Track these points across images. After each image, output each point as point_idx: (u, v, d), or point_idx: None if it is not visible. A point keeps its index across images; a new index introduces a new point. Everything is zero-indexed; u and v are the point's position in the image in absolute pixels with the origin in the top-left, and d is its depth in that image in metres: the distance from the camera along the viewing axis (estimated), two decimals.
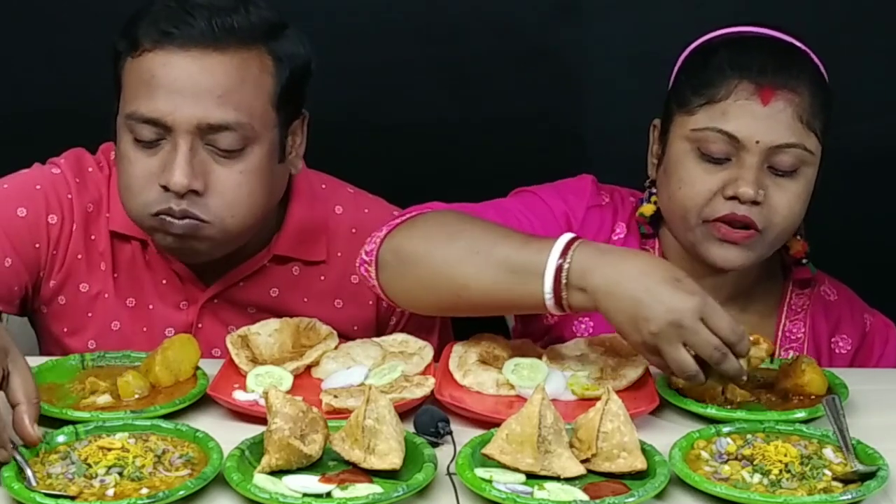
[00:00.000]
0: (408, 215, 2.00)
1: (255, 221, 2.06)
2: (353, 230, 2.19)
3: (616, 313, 1.79)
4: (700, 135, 2.01)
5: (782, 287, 2.19)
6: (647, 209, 2.14)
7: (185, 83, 1.96)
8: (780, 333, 2.15)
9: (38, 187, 2.13)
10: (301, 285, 2.18)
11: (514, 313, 1.98)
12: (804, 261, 2.16)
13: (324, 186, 2.22)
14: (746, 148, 1.98)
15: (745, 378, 1.81)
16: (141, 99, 1.98)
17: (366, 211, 2.22)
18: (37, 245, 2.11)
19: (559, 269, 1.82)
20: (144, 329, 2.14)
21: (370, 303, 2.20)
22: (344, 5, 2.84)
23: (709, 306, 1.77)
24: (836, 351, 2.18)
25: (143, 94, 1.98)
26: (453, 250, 1.90)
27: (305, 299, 2.17)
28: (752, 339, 1.82)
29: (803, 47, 2.07)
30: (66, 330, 2.16)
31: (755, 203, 1.98)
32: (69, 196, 2.13)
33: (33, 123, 2.78)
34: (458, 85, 2.92)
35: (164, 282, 2.14)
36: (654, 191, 2.13)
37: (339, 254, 2.19)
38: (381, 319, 2.23)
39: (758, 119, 1.98)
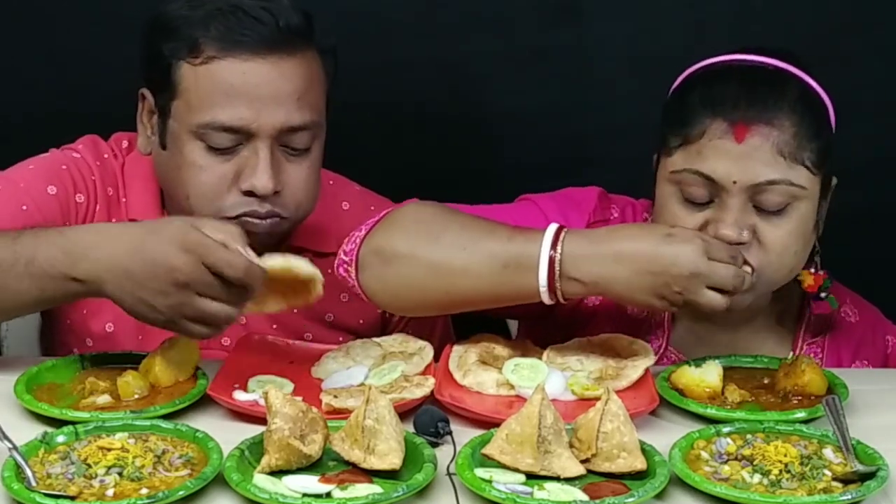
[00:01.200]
0: (384, 212, 1.99)
1: (313, 210, 2.11)
2: (346, 205, 2.23)
3: (630, 293, 1.82)
4: (679, 177, 1.94)
5: (798, 311, 2.13)
6: None
7: (265, 90, 1.99)
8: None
9: (64, 167, 2.14)
10: None
11: (502, 306, 1.97)
12: (823, 294, 2.07)
13: (331, 183, 2.24)
14: (725, 189, 1.90)
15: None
16: (218, 108, 1.99)
17: (371, 209, 2.21)
18: (67, 223, 2.11)
19: (552, 261, 1.83)
20: None
21: None
22: (344, 5, 2.84)
23: (708, 243, 1.81)
24: None
25: (220, 103, 1.99)
26: (438, 248, 1.89)
27: None
28: None
29: (791, 70, 1.98)
30: (85, 312, 2.15)
31: (741, 244, 1.90)
32: (93, 177, 2.15)
33: (32, 123, 2.78)
34: (458, 85, 2.92)
35: None
36: None
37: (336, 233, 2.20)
38: (385, 315, 2.24)
39: (733, 158, 1.90)
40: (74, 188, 2.13)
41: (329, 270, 2.15)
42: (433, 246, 1.89)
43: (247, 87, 1.98)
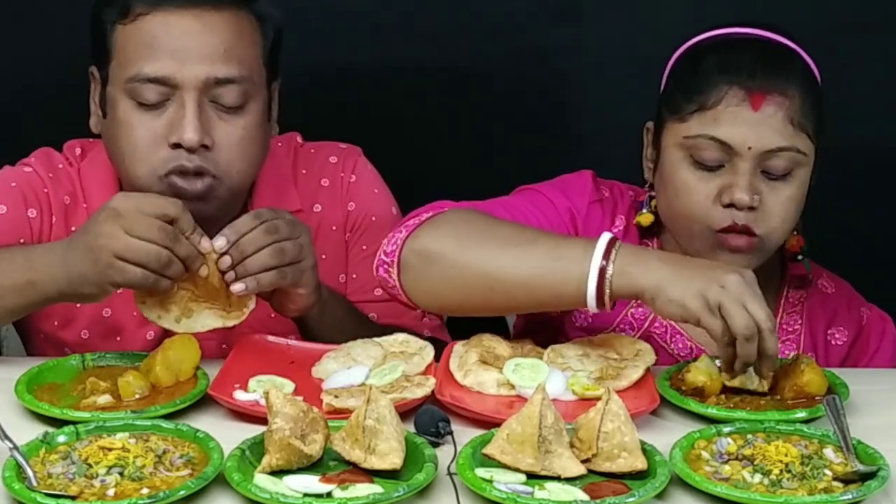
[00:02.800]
0: (426, 216, 2.00)
1: (252, 177, 2.12)
2: (304, 171, 2.25)
3: (676, 300, 1.82)
4: (693, 142, 2.01)
5: (780, 281, 2.19)
6: (645, 219, 2.13)
7: (189, 41, 2.01)
8: (777, 326, 2.16)
9: (13, 185, 2.15)
10: None
11: (544, 309, 2.00)
12: (799, 257, 2.15)
13: (280, 144, 2.25)
14: (739, 154, 1.98)
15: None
16: (144, 60, 2.01)
17: (312, 151, 2.28)
18: (21, 240, 2.11)
19: (602, 271, 1.86)
20: (134, 313, 2.13)
21: (333, 228, 2.23)
22: (344, 5, 2.84)
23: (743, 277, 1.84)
24: (832, 342, 2.18)
25: (145, 56, 2.01)
26: (489, 245, 1.93)
27: None
28: None
29: (794, 46, 2.07)
30: (56, 324, 2.16)
31: (752, 209, 1.98)
32: (45, 190, 2.15)
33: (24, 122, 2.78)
34: (458, 85, 2.92)
35: None
36: (653, 194, 2.13)
37: (299, 194, 2.23)
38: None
39: (749, 125, 1.98)
40: (25, 204, 2.14)
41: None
42: (483, 244, 1.93)
43: (170, 39, 2.01)
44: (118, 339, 2.13)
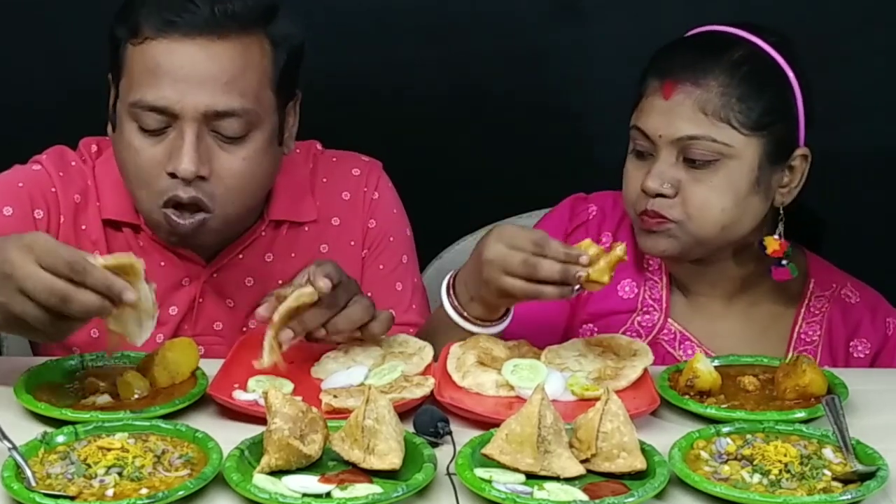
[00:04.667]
0: None
1: (255, 205, 2.11)
2: (324, 179, 2.24)
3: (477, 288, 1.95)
4: (632, 133, 2.10)
5: (803, 288, 2.19)
6: None
7: (190, 71, 1.98)
8: (794, 335, 2.16)
9: (20, 185, 2.14)
10: (289, 242, 2.21)
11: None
12: (784, 262, 2.13)
13: (298, 151, 2.23)
14: (654, 143, 2.05)
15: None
16: (146, 87, 1.99)
17: (334, 160, 2.27)
18: None
19: (451, 302, 2.01)
20: None
21: (351, 243, 2.23)
22: (344, 5, 2.84)
23: (503, 230, 1.93)
24: (854, 355, 2.17)
25: (147, 83, 1.99)
26: None
27: (293, 254, 2.20)
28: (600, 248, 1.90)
29: (744, 36, 2.08)
30: None
31: (663, 196, 2.04)
32: (53, 190, 2.14)
33: (33, 121, 2.78)
34: (459, 84, 2.92)
35: (163, 263, 2.14)
36: None
37: (317, 203, 2.23)
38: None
39: (660, 113, 2.05)
40: (32, 204, 2.13)
41: (306, 228, 2.20)
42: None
43: (172, 68, 1.98)
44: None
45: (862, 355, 2.17)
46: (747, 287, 2.18)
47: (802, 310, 2.18)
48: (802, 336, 2.16)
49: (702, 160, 2.03)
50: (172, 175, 1.99)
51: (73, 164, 2.18)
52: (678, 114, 2.03)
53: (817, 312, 2.18)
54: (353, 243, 2.23)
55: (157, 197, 2.01)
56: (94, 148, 2.19)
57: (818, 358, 2.14)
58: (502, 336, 2.02)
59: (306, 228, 2.21)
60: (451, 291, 2.01)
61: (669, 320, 2.17)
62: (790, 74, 2.07)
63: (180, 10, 1.98)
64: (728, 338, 2.16)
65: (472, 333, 2.00)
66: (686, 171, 2.04)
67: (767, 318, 2.18)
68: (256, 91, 2.02)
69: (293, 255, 2.19)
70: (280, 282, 2.13)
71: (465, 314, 2.00)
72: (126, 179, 2.06)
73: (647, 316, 2.16)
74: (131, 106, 2.01)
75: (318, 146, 2.28)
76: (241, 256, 2.17)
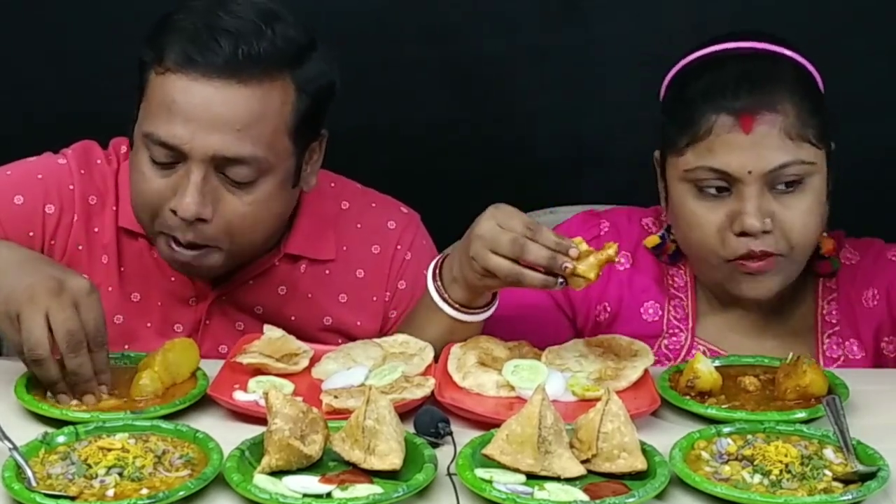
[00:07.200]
0: None
1: (263, 241, 2.07)
2: (359, 225, 2.19)
3: (465, 251, 1.91)
4: (692, 175, 1.99)
5: (814, 298, 2.15)
6: (650, 241, 2.14)
7: (203, 113, 1.94)
8: (820, 355, 2.12)
9: (39, 176, 2.12)
10: (307, 281, 2.17)
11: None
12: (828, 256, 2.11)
13: (332, 185, 2.20)
14: (741, 180, 1.96)
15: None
16: (160, 121, 1.96)
17: (373, 205, 2.21)
18: (30, 234, 2.09)
19: (434, 278, 1.98)
20: (149, 325, 2.13)
21: (374, 298, 2.19)
22: (344, 5, 2.84)
23: (500, 210, 1.89)
24: (867, 306, 2.12)
25: (162, 117, 1.96)
26: None
27: (310, 295, 2.16)
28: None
29: (784, 52, 2.03)
30: None
31: (765, 232, 1.96)
32: (70, 187, 2.12)
33: (41, 125, 2.78)
34: (459, 85, 2.92)
35: (173, 279, 2.13)
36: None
37: (344, 248, 2.17)
38: (383, 317, 2.21)
39: (744, 149, 1.95)
40: (45, 198, 2.11)
41: (327, 272, 2.15)
42: None
43: (187, 107, 1.94)
44: (126, 346, 2.09)
45: (874, 303, 2.12)
46: (770, 312, 2.13)
47: (819, 322, 2.13)
48: (827, 318, 2.13)
49: (788, 184, 1.97)
50: (174, 213, 1.97)
51: (98, 162, 2.16)
52: (765, 145, 1.94)
53: (833, 290, 2.14)
54: (374, 299, 2.18)
55: (158, 226, 2.00)
56: (123, 149, 2.16)
57: (843, 342, 2.11)
58: (491, 327, 2.00)
59: (327, 272, 2.17)
60: (437, 273, 1.98)
61: (697, 338, 2.13)
62: (816, 75, 2.05)
63: (203, 47, 1.93)
64: (759, 349, 2.09)
65: (452, 319, 1.97)
66: (775, 200, 1.97)
67: (791, 337, 2.13)
68: (270, 139, 1.97)
69: (310, 295, 2.16)
70: (293, 318, 2.13)
71: (446, 296, 1.96)
72: (132, 200, 2.05)
73: (675, 338, 2.13)
74: (144, 136, 1.98)
75: (358, 186, 2.23)
76: (251, 283, 2.14)
